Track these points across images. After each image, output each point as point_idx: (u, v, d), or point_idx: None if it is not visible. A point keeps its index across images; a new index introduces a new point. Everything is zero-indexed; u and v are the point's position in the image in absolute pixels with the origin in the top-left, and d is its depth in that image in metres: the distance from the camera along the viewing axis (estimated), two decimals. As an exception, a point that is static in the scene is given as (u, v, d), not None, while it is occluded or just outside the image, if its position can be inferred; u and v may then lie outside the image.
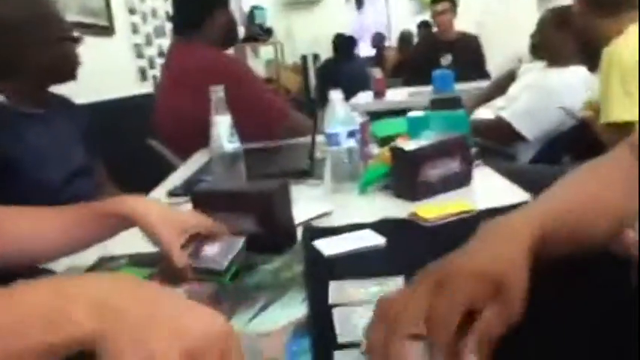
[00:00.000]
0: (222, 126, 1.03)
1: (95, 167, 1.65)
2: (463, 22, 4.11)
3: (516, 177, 1.20)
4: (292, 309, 0.67)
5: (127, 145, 2.06)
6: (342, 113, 1.14)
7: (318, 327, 0.61)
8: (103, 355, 0.37)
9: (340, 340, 0.57)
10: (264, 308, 0.68)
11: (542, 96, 2.10)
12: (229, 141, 1.03)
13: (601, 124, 1.51)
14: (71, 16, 2.48)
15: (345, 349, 0.55)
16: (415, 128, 1.37)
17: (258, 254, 0.82)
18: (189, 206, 0.93)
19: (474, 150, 1.17)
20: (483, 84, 3.22)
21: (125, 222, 0.77)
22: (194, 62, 1.87)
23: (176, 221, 0.77)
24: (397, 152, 1.05)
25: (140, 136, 2.06)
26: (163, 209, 0.79)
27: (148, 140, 2.03)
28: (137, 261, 0.85)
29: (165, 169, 1.88)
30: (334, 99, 1.15)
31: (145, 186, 1.51)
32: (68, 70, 1.50)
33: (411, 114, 1.42)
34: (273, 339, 0.60)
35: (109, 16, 2.95)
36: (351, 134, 1.13)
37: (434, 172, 1.03)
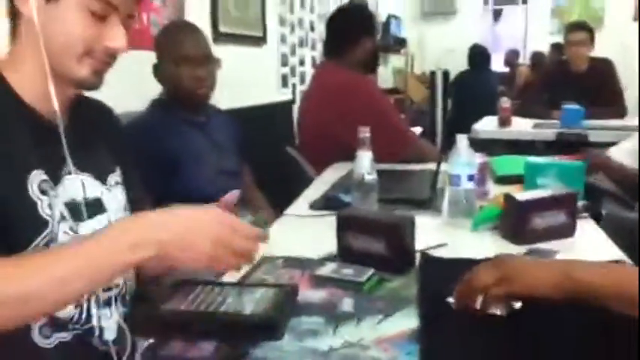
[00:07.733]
0: (365, 160, 1.26)
1: (243, 170, 1.93)
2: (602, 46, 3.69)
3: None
4: (408, 320, 0.88)
5: (266, 150, 2.32)
6: (465, 157, 1.32)
7: (426, 339, 0.82)
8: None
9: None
10: (387, 316, 0.90)
11: None
12: (369, 173, 1.26)
13: None
14: (229, 29, 2.84)
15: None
16: (532, 173, 1.51)
17: (383, 272, 1.04)
18: (327, 219, 1.18)
19: (581, 204, 1.30)
20: (615, 122, 3.11)
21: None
22: (337, 82, 2.14)
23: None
24: (509, 200, 1.21)
25: (278, 143, 2.33)
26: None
27: (286, 148, 2.30)
28: (290, 263, 1.10)
29: (298, 176, 2.13)
30: (460, 143, 1.33)
31: (281, 190, 1.74)
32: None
33: (531, 159, 1.56)
34: (392, 339, 0.82)
35: (263, 27, 3.31)
36: (470, 177, 1.31)
37: (541, 221, 1.19)
